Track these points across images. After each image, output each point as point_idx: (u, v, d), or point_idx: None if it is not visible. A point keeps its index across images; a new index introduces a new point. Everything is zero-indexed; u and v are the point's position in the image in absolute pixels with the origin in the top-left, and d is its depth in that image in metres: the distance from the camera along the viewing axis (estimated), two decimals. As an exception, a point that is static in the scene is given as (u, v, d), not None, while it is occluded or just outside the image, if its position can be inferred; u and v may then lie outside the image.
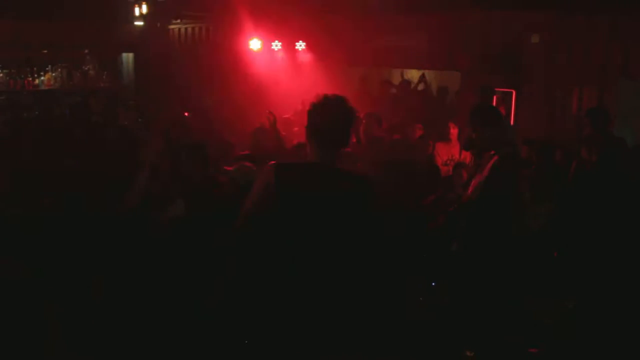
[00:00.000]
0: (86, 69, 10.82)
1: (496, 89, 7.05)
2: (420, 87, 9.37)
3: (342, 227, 2.99)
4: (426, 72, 9.49)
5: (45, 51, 10.69)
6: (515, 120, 7.43)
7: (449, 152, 7.01)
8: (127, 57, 13.06)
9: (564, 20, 7.42)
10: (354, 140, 6.76)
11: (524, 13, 7.61)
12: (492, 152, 4.24)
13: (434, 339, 4.01)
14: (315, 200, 2.93)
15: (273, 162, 3.01)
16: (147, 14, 11.68)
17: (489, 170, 4.19)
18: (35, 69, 10.26)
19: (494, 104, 6.45)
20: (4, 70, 9.90)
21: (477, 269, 4.22)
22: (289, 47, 11.06)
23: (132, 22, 12.40)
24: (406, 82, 9.41)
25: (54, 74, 10.35)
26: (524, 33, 7.75)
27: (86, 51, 11.11)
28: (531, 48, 7.72)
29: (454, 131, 7.01)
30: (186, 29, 13.20)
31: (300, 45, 10.51)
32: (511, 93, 7.66)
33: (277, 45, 10.29)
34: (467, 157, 6.74)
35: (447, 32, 8.67)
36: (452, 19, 8.58)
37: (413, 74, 9.75)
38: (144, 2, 11.59)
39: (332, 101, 3.03)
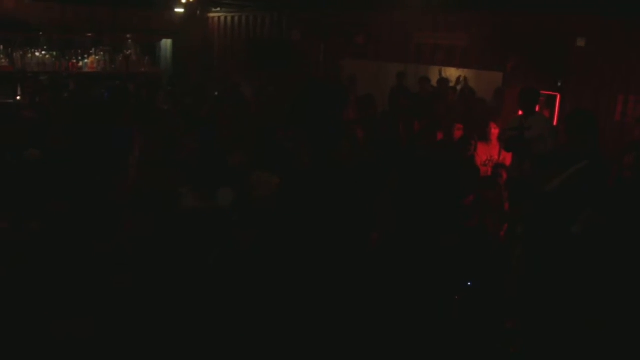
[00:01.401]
0: (128, 53, 10.96)
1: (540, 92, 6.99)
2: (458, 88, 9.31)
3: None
4: (466, 71, 9.43)
5: (90, 35, 10.85)
6: (558, 125, 7.36)
7: (488, 153, 6.98)
8: (166, 44, 13.19)
9: (611, 25, 7.34)
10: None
11: (571, 16, 7.55)
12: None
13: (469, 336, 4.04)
14: None
15: None
16: (188, 1, 11.79)
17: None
18: (79, 51, 10.42)
19: (538, 107, 6.38)
20: (50, 52, 10.06)
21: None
22: (328, 40, 11.11)
23: (173, 9, 12.51)
24: (444, 81, 9.36)
25: (97, 57, 10.51)
26: (570, 36, 7.67)
27: (128, 36, 11.24)
28: (577, 51, 7.64)
29: (494, 132, 6.98)
30: (226, 17, 13.29)
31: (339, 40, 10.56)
32: (555, 97, 7.60)
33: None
34: (506, 158, 6.72)
35: (490, 31, 8.63)
36: (496, 19, 8.53)
37: (451, 72, 9.70)
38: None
39: None
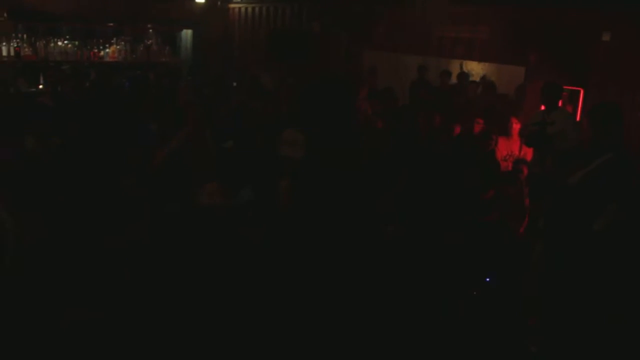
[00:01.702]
0: (149, 43, 11.02)
1: (563, 87, 6.91)
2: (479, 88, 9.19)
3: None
4: (487, 65, 9.34)
5: (111, 25, 10.91)
6: (581, 120, 7.26)
7: (509, 148, 6.92)
8: (186, 34, 13.23)
9: (636, 19, 7.21)
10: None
11: (596, 10, 7.43)
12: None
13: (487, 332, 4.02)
14: None
15: None
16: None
17: (601, 165, 4.23)
18: (101, 41, 10.49)
19: (561, 102, 6.30)
20: (72, 42, 10.15)
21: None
22: (349, 32, 11.07)
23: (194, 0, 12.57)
24: (464, 75, 9.28)
25: (118, 47, 10.57)
26: (595, 30, 7.55)
27: (149, 26, 11.30)
28: (602, 46, 7.53)
29: (516, 127, 6.92)
30: (246, 8, 13.28)
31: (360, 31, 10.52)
32: (578, 92, 7.50)
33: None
34: (527, 153, 6.65)
35: (513, 25, 8.52)
36: (519, 12, 8.42)
37: (473, 66, 9.61)
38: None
39: None
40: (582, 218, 4.16)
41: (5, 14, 9.95)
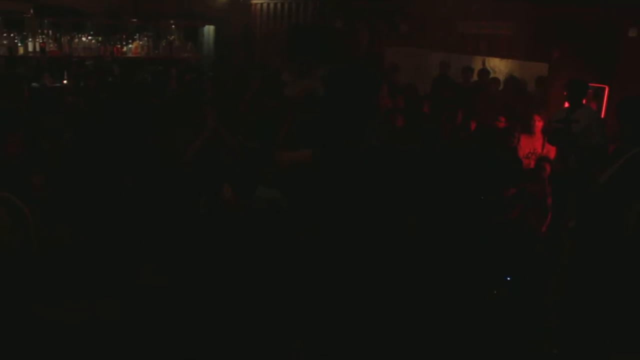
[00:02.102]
0: (171, 39, 11.09)
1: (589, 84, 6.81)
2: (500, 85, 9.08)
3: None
4: (510, 61, 9.25)
5: (134, 20, 11.01)
6: (606, 118, 7.15)
7: (532, 145, 6.86)
8: (209, 30, 13.30)
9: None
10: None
11: (622, 5, 7.30)
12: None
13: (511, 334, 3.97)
14: None
15: None
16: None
17: (629, 161, 4.18)
18: (123, 37, 10.59)
19: (585, 100, 6.21)
20: (96, 38, 10.26)
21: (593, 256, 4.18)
22: (371, 28, 11.04)
23: (217, -5, 12.64)
24: (485, 72, 9.19)
25: (140, 43, 10.66)
26: (621, 26, 7.43)
27: (172, 22, 11.38)
28: (628, 42, 7.40)
29: (538, 124, 6.85)
30: (268, 4, 13.30)
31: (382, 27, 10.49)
32: (604, 89, 7.38)
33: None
34: (550, 151, 6.58)
35: (536, 21, 8.43)
36: (542, 8, 8.32)
37: (495, 63, 9.52)
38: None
39: None
40: (614, 217, 4.09)
41: (31, 10, 10.11)
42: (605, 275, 4.06)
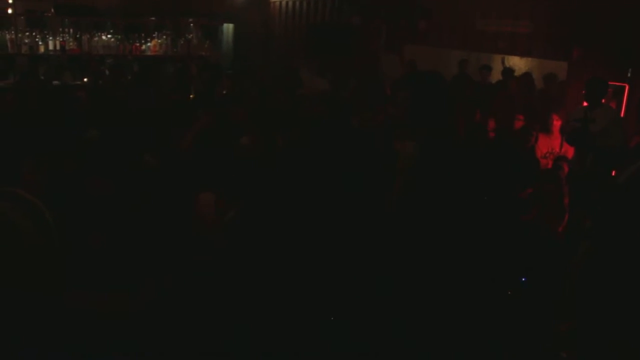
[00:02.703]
0: (189, 37, 11.15)
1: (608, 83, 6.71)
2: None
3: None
4: (529, 60, 9.15)
5: (153, 19, 11.09)
6: (626, 117, 7.04)
7: (549, 145, 6.78)
8: (227, 28, 13.35)
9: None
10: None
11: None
12: None
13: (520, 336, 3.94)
14: None
15: None
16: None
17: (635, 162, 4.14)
18: (142, 35, 10.67)
19: (605, 99, 6.13)
20: (115, 36, 10.35)
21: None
22: (391, 26, 11.00)
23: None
24: (509, 71, 9.09)
25: (159, 41, 10.72)
26: (642, 23, 7.31)
27: (190, 20, 11.43)
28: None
29: (556, 123, 6.77)
30: (287, 2, 13.33)
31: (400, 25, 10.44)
32: (624, 87, 7.27)
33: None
34: (568, 150, 6.50)
35: (556, 19, 8.33)
36: (562, 5, 8.22)
37: (515, 61, 9.43)
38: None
39: None
40: (633, 218, 4.04)
41: (52, 9, 10.23)
42: (623, 276, 4.01)
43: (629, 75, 7.21)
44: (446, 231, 4.70)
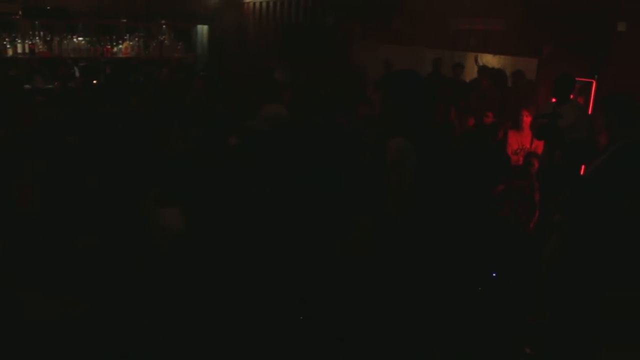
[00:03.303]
0: (162, 39, 11.07)
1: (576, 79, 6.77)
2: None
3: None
4: (502, 57, 9.21)
5: (124, 20, 10.99)
6: (593, 113, 7.10)
7: (520, 141, 6.81)
8: (202, 30, 13.28)
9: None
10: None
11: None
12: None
13: (491, 332, 3.94)
14: None
15: None
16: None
17: (614, 152, 4.18)
18: (114, 37, 10.57)
19: (572, 95, 6.17)
20: (86, 38, 10.24)
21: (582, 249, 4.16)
22: (364, 25, 11.00)
23: (209, -5, 12.64)
24: (484, 69, 9.14)
25: (131, 43, 10.64)
26: (610, 20, 7.38)
27: (163, 22, 11.35)
28: (616, 37, 7.35)
29: (526, 119, 6.80)
30: (261, 3, 13.28)
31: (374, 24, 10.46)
32: (591, 83, 7.33)
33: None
34: (538, 146, 6.53)
35: (526, 17, 8.39)
36: (532, 4, 8.29)
37: (488, 59, 9.49)
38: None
39: None
40: (601, 211, 4.08)
41: (20, 12, 10.08)
42: (595, 270, 4.03)
43: (597, 71, 7.28)
44: (423, 228, 4.70)
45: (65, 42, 9.99)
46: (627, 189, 4.16)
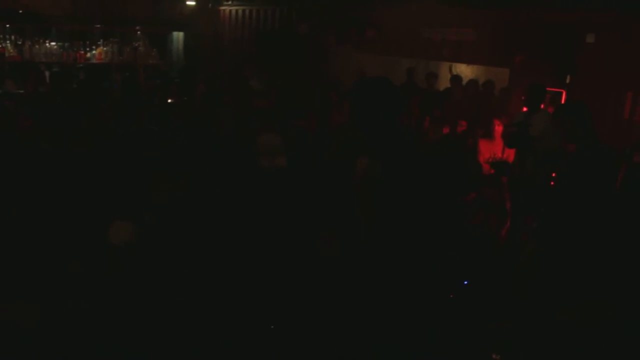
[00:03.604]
0: (136, 45, 10.98)
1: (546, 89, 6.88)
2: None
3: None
4: (475, 66, 9.34)
5: (99, 26, 10.89)
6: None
7: (491, 150, 6.89)
8: (178, 36, 13.22)
9: (621, 21, 7.19)
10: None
11: (581, 11, 7.40)
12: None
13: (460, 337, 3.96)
14: None
15: None
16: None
17: (569, 160, 4.29)
18: (87, 43, 10.46)
19: (543, 104, 6.28)
20: (59, 43, 10.11)
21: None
22: (339, 34, 11.05)
23: (184, 1, 12.56)
24: (458, 78, 9.24)
25: (105, 49, 10.52)
26: (579, 32, 7.53)
27: (137, 28, 11.27)
28: (586, 48, 7.50)
29: (498, 129, 6.89)
30: (237, 10, 13.28)
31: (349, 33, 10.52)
32: (561, 93, 7.47)
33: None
34: (510, 155, 6.62)
35: (498, 27, 8.52)
36: (504, 14, 8.42)
37: (462, 69, 9.60)
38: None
39: None
40: (572, 214, 4.17)
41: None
42: (575, 273, 4.11)
43: (567, 81, 7.41)
44: (394, 236, 4.71)
45: (37, 46, 9.84)
46: (593, 190, 4.26)
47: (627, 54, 7.20)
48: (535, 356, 3.72)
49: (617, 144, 6.42)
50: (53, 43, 10.08)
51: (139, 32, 11.20)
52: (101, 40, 10.60)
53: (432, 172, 5.81)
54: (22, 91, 9.27)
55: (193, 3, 12.67)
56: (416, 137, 7.28)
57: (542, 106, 6.22)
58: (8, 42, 9.59)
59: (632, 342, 3.57)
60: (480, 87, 8.77)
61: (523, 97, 6.26)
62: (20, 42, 9.72)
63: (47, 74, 9.48)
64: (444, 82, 9.42)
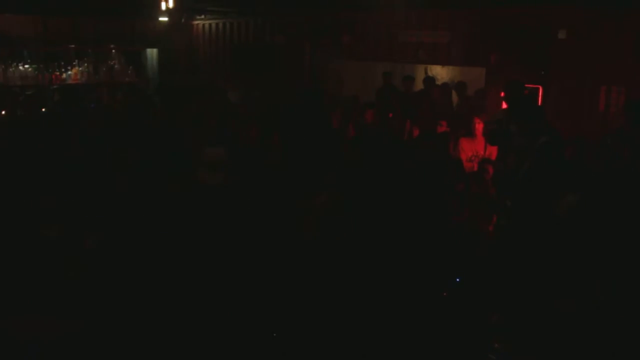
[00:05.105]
0: (112, 63, 10.93)
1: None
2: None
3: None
4: (451, 68, 9.45)
5: (73, 46, 10.81)
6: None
7: (474, 148, 6.97)
8: (152, 52, 13.17)
9: (591, 16, 7.35)
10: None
11: (552, 8, 7.55)
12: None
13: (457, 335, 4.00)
14: None
15: None
16: (172, 9, 11.80)
17: (534, 154, 4.36)
18: (62, 63, 10.38)
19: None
20: (33, 65, 10.02)
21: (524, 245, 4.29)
22: (313, 42, 11.10)
23: (157, 18, 12.52)
24: (431, 79, 9.34)
25: (80, 69, 10.46)
26: (551, 28, 7.67)
27: (112, 46, 11.22)
28: (559, 44, 7.64)
29: (479, 127, 6.97)
30: (210, 24, 13.28)
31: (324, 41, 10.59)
32: (538, 89, 7.59)
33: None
34: (492, 153, 6.70)
35: (472, 27, 8.65)
36: (477, 14, 8.54)
37: (437, 70, 9.71)
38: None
39: None
40: (536, 207, 4.23)
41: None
42: (536, 266, 4.16)
43: (543, 73, 7.54)
44: (381, 236, 4.76)
45: (11, 69, 9.74)
46: (556, 182, 4.34)
47: (598, 48, 7.35)
48: (534, 345, 3.76)
49: (595, 135, 6.56)
50: (27, 66, 9.98)
51: (113, 51, 11.14)
52: (76, 61, 10.53)
53: (415, 172, 5.89)
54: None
55: (166, 19, 12.65)
56: (398, 139, 7.35)
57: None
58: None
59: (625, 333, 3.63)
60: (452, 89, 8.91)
61: (502, 94, 6.35)
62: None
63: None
64: (420, 85, 9.51)
